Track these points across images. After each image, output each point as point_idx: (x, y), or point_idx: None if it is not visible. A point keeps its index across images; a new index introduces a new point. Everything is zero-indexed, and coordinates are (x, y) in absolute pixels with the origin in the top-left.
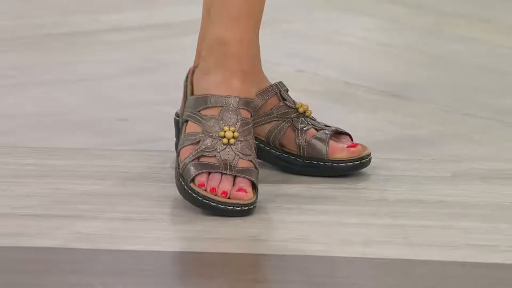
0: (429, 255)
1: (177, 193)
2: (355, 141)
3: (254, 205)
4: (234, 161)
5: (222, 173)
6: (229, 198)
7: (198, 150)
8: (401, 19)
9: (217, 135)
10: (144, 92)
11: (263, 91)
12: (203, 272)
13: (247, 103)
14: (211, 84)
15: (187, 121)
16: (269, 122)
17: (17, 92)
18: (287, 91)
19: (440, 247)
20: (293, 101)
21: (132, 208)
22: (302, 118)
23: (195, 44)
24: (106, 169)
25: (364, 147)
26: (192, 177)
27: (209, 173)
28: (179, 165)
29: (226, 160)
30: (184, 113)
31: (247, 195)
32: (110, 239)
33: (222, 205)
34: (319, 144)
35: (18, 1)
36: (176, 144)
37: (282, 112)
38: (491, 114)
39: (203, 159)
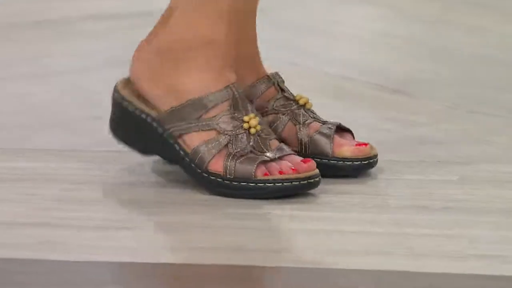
0: (433, 266)
1: (158, 198)
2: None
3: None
4: (269, 146)
5: (271, 160)
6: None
7: (235, 152)
8: (404, 8)
9: (241, 129)
10: None
11: (259, 80)
12: (187, 285)
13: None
14: (201, 84)
15: (182, 134)
16: (267, 115)
17: None
18: (283, 82)
19: (445, 258)
20: (291, 92)
21: (109, 215)
22: (303, 111)
23: None
24: (81, 172)
25: (371, 147)
26: (253, 172)
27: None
28: (216, 175)
29: (263, 148)
30: (173, 128)
31: (314, 164)
32: (85, 249)
33: (305, 180)
34: (323, 140)
35: None
36: (114, 129)
37: (281, 104)
38: (501, 111)
39: (242, 157)
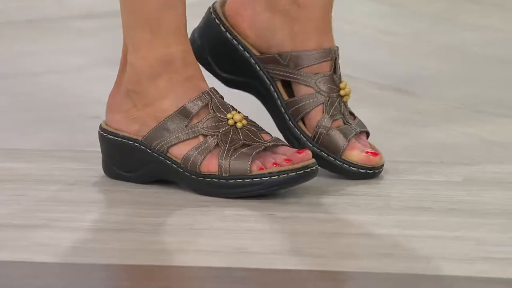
0: (438, 269)
1: (155, 199)
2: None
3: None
4: (261, 137)
5: (265, 148)
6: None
7: (226, 150)
8: (407, 4)
9: (228, 127)
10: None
11: (318, 50)
12: None
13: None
14: (176, 99)
15: (169, 147)
16: (306, 85)
17: None
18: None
19: (451, 261)
20: (340, 76)
21: (104, 217)
22: (338, 104)
23: None
24: (75, 172)
25: (381, 156)
26: (248, 168)
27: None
28: (211, 176)
29: (254, 139)
30: (161, 143)
31: (309, 153)
32: (79, 251)
33: (301, 170)
34: (338, 139)
35: None
36: (105, 167)
37: (324, 83)
38: (507, 110)
39: (235, 152)
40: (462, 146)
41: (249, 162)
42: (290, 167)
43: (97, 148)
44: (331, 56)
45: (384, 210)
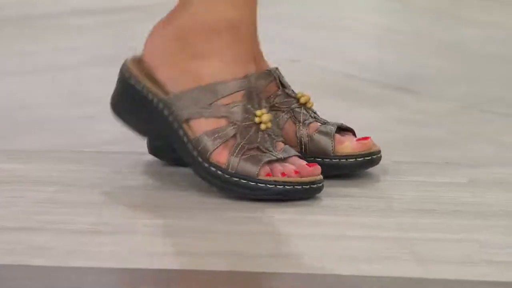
0: (441, 272)
1: (154, 201)
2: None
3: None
4: (275, 146)
5: (277, 159)
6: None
7: (240, 146)
8: (410, 1)
9: (250, 123)
10: (113, 85)
11: (259, 75)
12: None
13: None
14: (220, 70)
15: (189, 119)
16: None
17: None
18: (283, 78)
19: (454, 264)
20: (292, 89)
21: (100, 219)
22: (304, 110)
23: None
24: (71, 174)
25: (373, 141)
26: (257, 172)
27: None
28: (217, 167)
29: (268, 147)
30: (182, 111)
31: (319, 168)
32: (76, 254)
33: (307, 185)
34: (323, 139)
35: None
36: (115, 105)
37: (282, 101)
38: (509, 110)
39: (248, 152)
40: (466, 146)
41: (259, 167)
42: (298, 180)
43: (97, 148)
44: (273, 76)
45: (386, 212)
